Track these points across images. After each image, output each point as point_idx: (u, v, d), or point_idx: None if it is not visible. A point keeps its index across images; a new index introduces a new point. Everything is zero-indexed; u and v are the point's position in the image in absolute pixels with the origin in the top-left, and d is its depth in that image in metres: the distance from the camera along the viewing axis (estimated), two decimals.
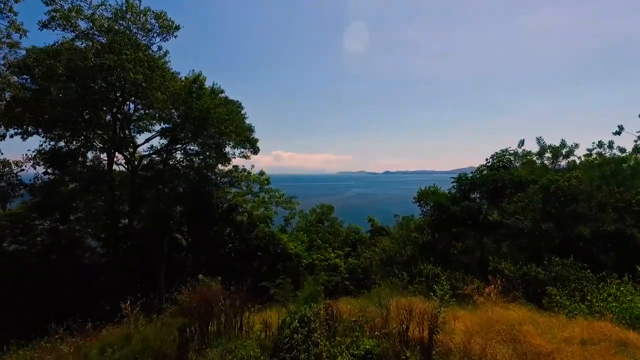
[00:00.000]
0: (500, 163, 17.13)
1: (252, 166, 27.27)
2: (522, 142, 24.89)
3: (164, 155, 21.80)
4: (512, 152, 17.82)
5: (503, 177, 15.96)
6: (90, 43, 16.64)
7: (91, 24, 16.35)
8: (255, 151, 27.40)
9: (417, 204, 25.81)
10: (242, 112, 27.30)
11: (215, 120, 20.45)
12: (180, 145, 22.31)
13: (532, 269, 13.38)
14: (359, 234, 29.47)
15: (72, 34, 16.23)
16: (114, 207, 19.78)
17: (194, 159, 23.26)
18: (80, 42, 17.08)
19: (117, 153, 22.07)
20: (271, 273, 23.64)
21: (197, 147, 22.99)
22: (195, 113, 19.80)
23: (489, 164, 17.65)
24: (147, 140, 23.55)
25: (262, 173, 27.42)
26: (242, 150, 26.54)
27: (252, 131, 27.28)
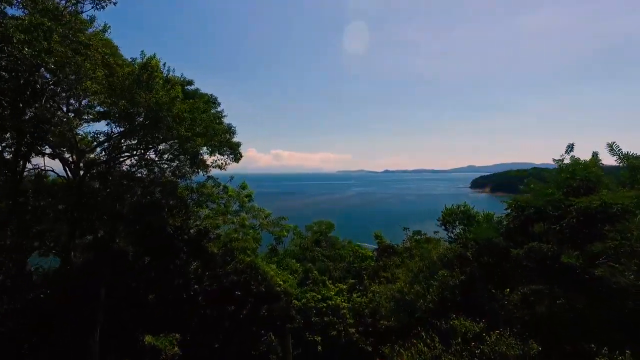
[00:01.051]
0: (582, 184, 11.52)
1: (231, 178, 21.64)
2: (571, 147, 19.30)
3: (104, 168, 16.14)
4: (598, 164, 12.23)
5: (593, 205, 10.39)
6: None
7: None
8: (237, 158, 21.81)
9: (443, 227, 20.28)
10: (219, 109, 21.75)
11: (171, 120, 14.83)
12: (126, 155, 16.62)
13: None
14: (366, 261, 23.85)
15: None
16: (20, 235, 14.12)
17: (151, 171, 17.56)
18: None
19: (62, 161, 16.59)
20: (252, 320, 18.11)
21: (154, 155, 17.35)
22: (139, 109, 14.20)
23: (559, 181, 12.06)
24: (100, 144, 17.95)
25: (243, 186, 21.76)
26: (219, 157, 20.96)
27: (233, 133, 21.73)
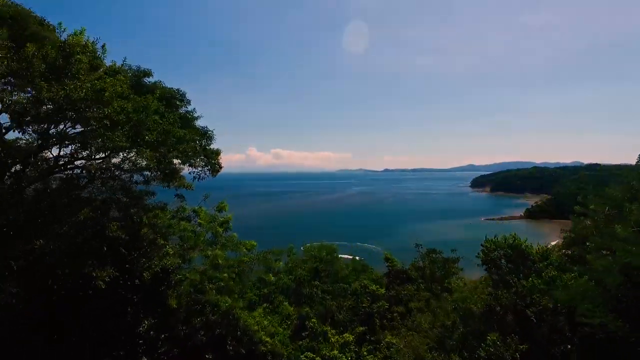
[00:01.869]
0: None
1: (206, 196, 16.76)
2: None
3: (14, 188, 11.22)
4: None
5: None
6: None
7: None
8: (214, 169, 17.02)
9: (484, 266, 15.43)
10: (189, 108, 16.87)
11: (96, 125, 9.99)
12: (43, 173, 11.69)
13: None
14: (379, 303, 18.86)
15: None
16: None
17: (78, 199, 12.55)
18: None
19: None
20: None
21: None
22: (46, 108, 9.37)
23: None
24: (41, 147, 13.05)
25: (220, 207, 16.81)
26: (192, 169, 16.16)
27: (210, 138, 16.95)
